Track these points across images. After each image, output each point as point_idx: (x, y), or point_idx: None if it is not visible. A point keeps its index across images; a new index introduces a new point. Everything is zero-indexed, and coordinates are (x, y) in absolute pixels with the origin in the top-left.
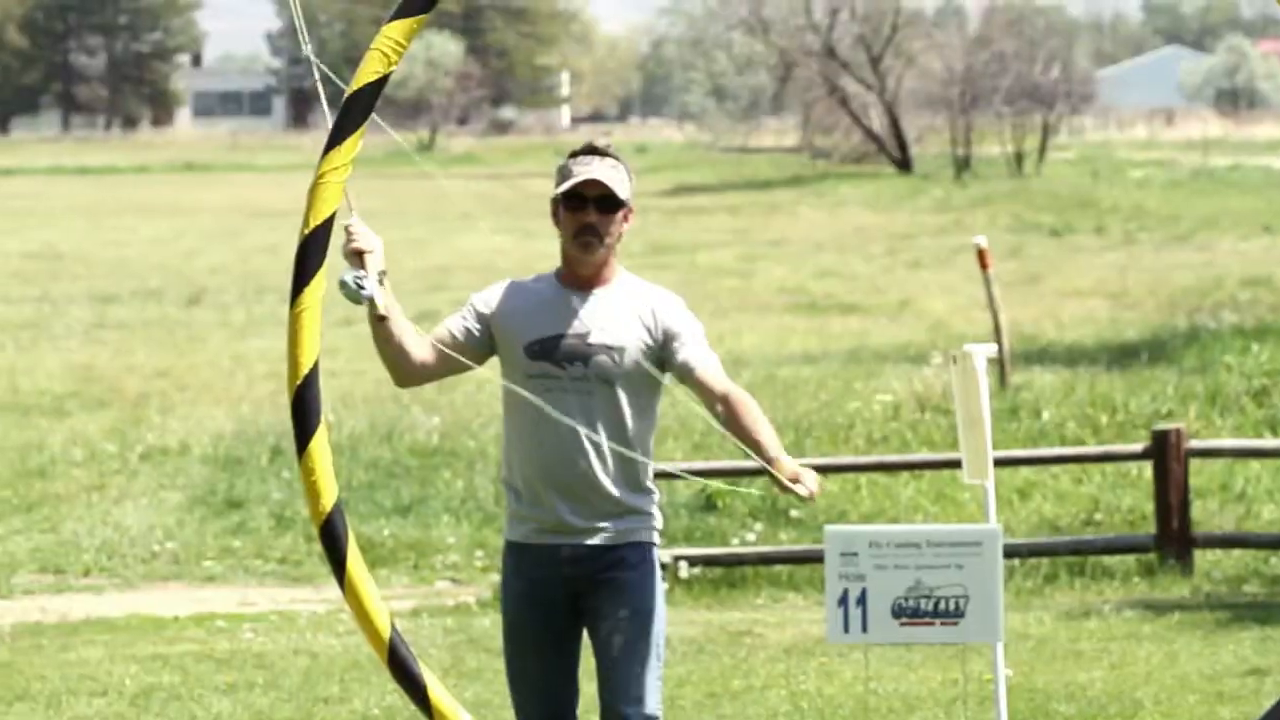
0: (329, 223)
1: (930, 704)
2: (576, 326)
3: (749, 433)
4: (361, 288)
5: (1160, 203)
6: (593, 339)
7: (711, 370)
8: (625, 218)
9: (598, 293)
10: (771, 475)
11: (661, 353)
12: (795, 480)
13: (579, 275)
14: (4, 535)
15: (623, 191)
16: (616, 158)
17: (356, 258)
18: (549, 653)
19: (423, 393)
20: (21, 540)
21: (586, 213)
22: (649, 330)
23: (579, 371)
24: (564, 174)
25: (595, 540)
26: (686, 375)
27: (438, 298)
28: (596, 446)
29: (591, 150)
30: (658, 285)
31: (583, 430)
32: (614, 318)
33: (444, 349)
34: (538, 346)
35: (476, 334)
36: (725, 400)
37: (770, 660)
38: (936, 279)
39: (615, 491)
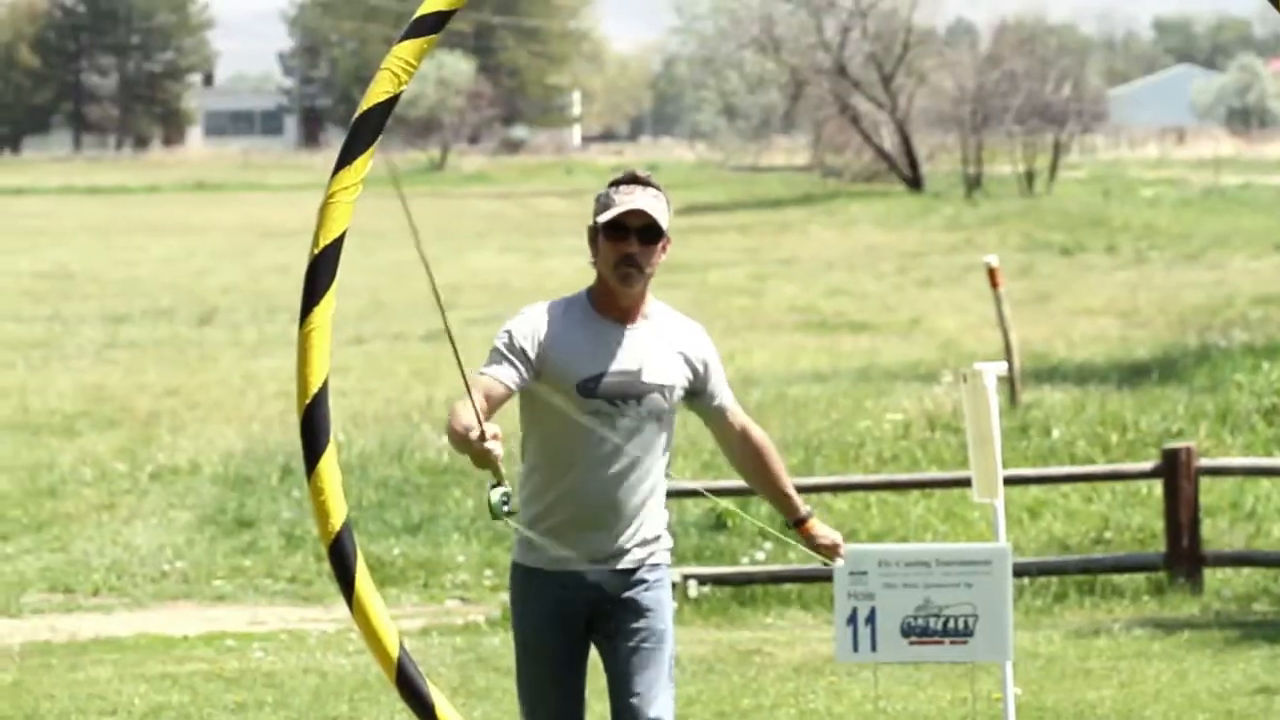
0: (339, 242)
1: None
2: (628, 363)
3: (777, 484)
4: (505, 504)
5: (1171, 221)
6: (646, 377)
7: (740, 413)
8: (664, 248)
9: (640, 326)
10: (802, 536)
11: (696, 387)
12: (832, 548)
13: (619, 306)
14: (14, 554)
15: (664, 221)
16: (658, 187)
17: (486, 459)
18: (566, 673)
19: (433, 412)
20: (31, 559)
21: (629, 243)
22: (692, 367)
23: (633, 409)
24: (605, 203)
25: (621, 564)
26: (718, 415)
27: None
28: (643, 480)
29: (634, 179)
30: (681, 313)
31: (627, 460)
32: (661, 354)
33: (497, 402)
34: (593, 384)
35: (527, 378)
36: (754, 444)
37: (779, 679)
38: (947, 297)
39: (648, 521)
